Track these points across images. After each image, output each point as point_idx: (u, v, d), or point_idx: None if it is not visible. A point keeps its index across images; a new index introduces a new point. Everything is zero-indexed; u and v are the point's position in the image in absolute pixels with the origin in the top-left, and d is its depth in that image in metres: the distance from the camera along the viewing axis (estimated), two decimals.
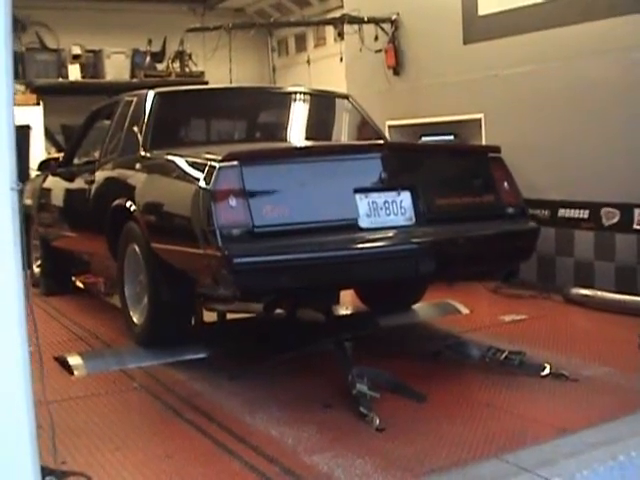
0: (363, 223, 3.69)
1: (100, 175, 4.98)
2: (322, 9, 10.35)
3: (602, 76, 5.20)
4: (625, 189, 5.11)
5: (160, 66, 10.95)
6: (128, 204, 4.30)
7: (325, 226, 3.61)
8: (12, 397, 2.00)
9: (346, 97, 5.47)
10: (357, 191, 3.71)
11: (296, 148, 4.59)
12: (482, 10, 6.10)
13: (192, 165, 3.79)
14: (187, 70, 10.80)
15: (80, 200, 5.22)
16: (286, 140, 5.11)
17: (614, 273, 5.22)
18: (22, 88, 9.46)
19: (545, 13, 5.57)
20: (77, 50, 10.43)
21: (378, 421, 3.09)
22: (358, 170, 3.84)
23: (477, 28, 6.16)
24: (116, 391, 3.71)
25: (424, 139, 6.56)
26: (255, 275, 3.42)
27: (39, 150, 9.17)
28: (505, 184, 4.14)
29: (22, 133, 8.33)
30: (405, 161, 4.07)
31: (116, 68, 10.61)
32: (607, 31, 5.12)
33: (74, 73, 10.37)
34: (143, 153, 4.51)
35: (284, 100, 5.52)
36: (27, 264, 2.03)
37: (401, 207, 3.81)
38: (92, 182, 5.04)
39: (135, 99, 4.95)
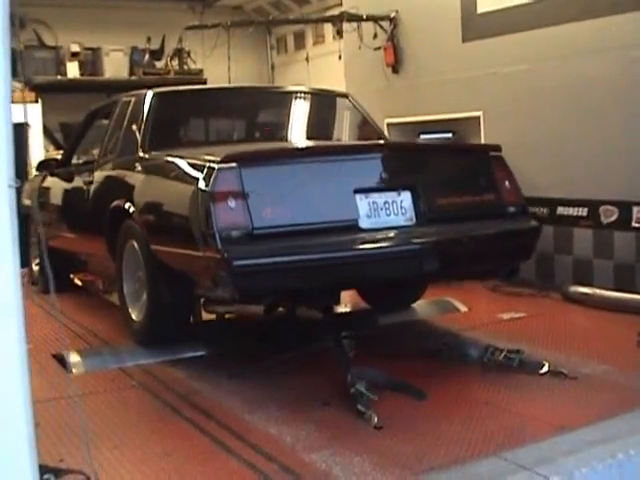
0: (363, 224, 3.68)
1: (99, 176, 4.98)
2: (321, 7, 10.35)
3: (601, 74, 5.20)
4: (624, 187, 5.11)
5: (159, 64, 10.93)
6: (127, 205, 4.29)
7: (325, 227, 3.60)
8: (10, 395, 1.99)
9: (345, 96, 5.46)
10: (357, 191, 3.70)
11: (295, 149, 4.57)
12: (481, 8, 6.10)
13: (191, 166, 3.78)
14: (186, 68, 10.77)
15: (79, 200, 5.22)
16: (286, 140, 5.10)
17: (613, 271, 5.22)
18: (20, 86, 9.44)
19: (544, 11, 5.57)
20: (76, 48, 10.41)
21: (376, 419, 3.09)
22: (358, 170, 3.83)
23: (476, 26, 6.15)
24: (114, 389, 3.71)
25: (423, 137, 6.56)
26: (255, 277, 3.41)
27: (38, 148, 9.15)
28: (506, 183, 4.14)
29: (20, 131, 8.32)
30: (405, 161, 4.06)
31: (115, 66, 10.59)
32: (606, 29, 5.11)
33: (73, 71, 10.35)
34: (142, 154, 4.50)
35: (283, 100, 5.51)
36: (25, 262, 2.03)
37: (401, 207, 3.80)
38: (91, 183, 5.04)
39: (133, 99, 4.94)
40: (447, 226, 3.88)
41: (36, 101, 9.42)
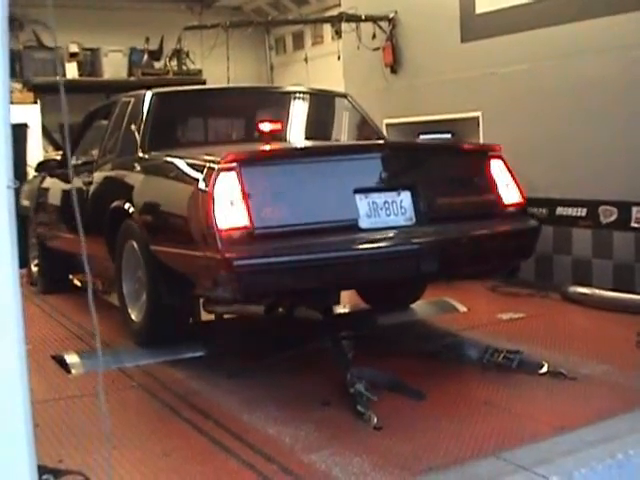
0: (363, 224, 3.68)
1: (98, 176, 4.98)
2: (319, 7, 10.34)
3: (601, 74, 5.20)
4: (623, 187, 5.11)
5: (158, 64, 10.93)
6: (126, 206, 4.29)
7: (325, 227, 3.59)
8: (9, 396, 1.99)
9: (345, 96, 5.47)
10: (357, 191, 3.70)
11: (295, 149, 4.56)
12: (480, 8, 6.11)
13: (191, 166, 3.78)
14: (185, 68, 10.77)
15: (78, 201, 5.19)
16: (285, 140, 5.10)
17: (612, 271, 5.22)
18: (19, 86, 9.44)
19: (543, 11, 5.57)
20: (74, 48, 10.41)
21: (376, 419, 3.09)
22: (358, 170, 3.83)
23: (475, 26, 6.15)
24: (114, 389, 3.69)
25: (422, 137, 6.56)
26: (256, 277, 3.41)
27: (37, 149, 9.15)
28: (506, 183, 4.14)
29: (19, 132, 8.31)
30: (405, 161, 4.07)
31: (113, 66, 10.59)
32: (606, 29, 5.12)
33: (71, 71, 10.35)
34: (141, 154, 4.50)
35: (283, 100, 5.51)
36: (24, 263, 2.03)
37: (401, 207, 3.80)
38: (90, 183, 5.03)
39: (133, 99, 4.94)
40: (447, 226, 3.88)
41: (35, 102, 9.42)
